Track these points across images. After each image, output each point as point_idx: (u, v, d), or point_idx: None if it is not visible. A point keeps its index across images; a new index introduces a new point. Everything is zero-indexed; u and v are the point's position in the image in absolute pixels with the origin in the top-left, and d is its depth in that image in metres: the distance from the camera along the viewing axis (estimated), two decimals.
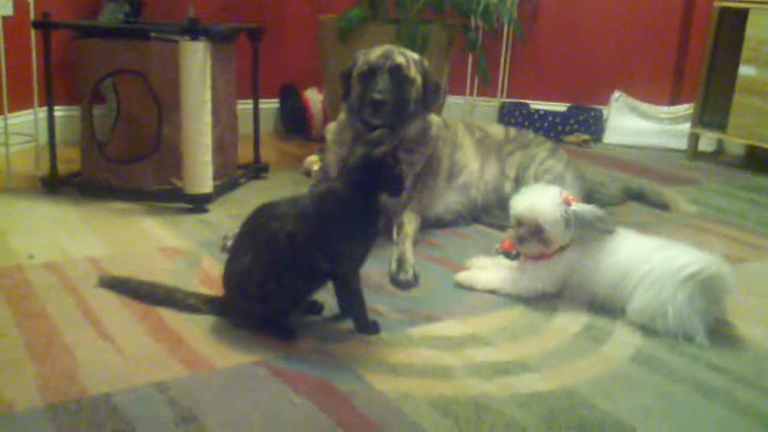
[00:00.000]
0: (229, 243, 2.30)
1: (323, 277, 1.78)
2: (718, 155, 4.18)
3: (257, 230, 1.74)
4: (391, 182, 1.73)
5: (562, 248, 2.01)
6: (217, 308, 1.84)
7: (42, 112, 3.05)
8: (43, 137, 3.08)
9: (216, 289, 1.95)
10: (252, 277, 1.71)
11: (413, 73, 2.47)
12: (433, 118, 2.63)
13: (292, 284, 1.74)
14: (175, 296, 1.89)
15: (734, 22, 3.77)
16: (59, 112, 3.22)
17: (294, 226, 1.70)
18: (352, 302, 1.81)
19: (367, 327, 1.81)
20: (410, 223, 2.41)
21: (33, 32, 2.95)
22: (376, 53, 2.47)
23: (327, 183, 1.84)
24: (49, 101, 2.84)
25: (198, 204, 2.69)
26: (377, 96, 2.38)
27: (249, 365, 1.63)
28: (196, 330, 1.78)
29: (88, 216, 2.59)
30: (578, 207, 1.98)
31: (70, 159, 3.13)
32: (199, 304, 1.86)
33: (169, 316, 1.85)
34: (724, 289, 1.84)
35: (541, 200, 2.00)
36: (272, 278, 1.71)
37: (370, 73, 2.45)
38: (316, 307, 1.89)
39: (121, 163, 2.81)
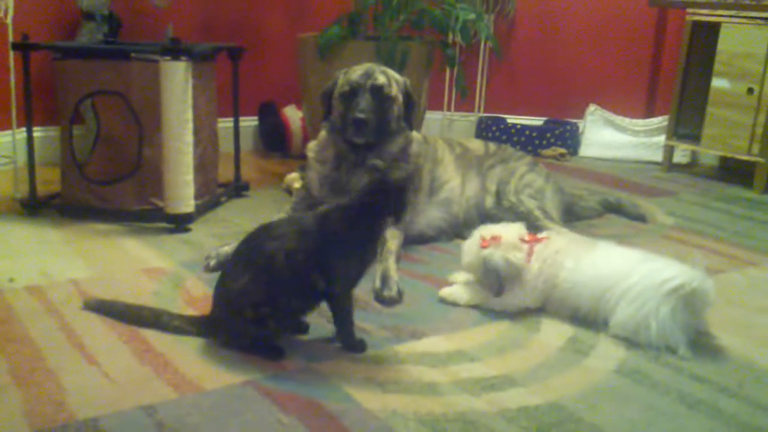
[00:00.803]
0: (212, 263, 2.31)
1: (318, 297, 1.79)
2: (692, 167, 4.25)
3: (255, 251, 1.74)
4: (400, 207, 1.76)
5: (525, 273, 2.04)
6: (204, 329, 1.84)
7: (21, 133, 3.03)
8: (22, 158, 3.05)
9: (201, 310, 1.95)
10: (248, 298, 1.71)
11: (394, 91, 2.50)
12: (414, 135, 2.65)
13: (288, 305, 1.74)
14: (161, 318, 1.88)
15: (706, 35, 3.85)
16: (38, 132, 3.19)
17: (295, 244, 1.72)
18: (341, 321, 1.82)
19: (354, 345, 1.82)
20: (393, 239, 2.42)
21: (12, 53, 2.93)
22: (357, 72, 2.48)
23: (333, 203, 1.84)
24: (28, 122, 2.82)
25: (179, 224, 2.69)
26: (360, 115, 2.40)
27: (237, 386, 1.63)
28: (182, 351, 1.78)
29: (69, 238, 2.58)
30: (488, 252, 2.01)
31: (49, 180, 3.11)
32: (185, 326, 1.86)
33: (155, 338, 1.84)
34: (706, 302, 1.87)
35: (467, 252, 2.08)
36: (269, 300, 1.71)
37: (352, 92, 2.47)
38: (303, 326, 1.89)
39: (101, 184, 2.80)
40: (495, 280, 2.02)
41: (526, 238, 2.08)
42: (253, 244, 1.77)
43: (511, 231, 2.07)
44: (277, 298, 1.72)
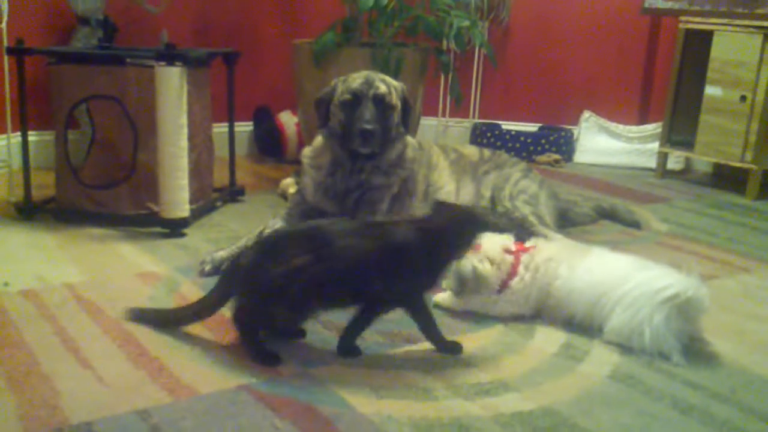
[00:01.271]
0: (207, 268, 2.31)
1: (360, 299, 1.80)
2: (686, 173, 4.27)
3: (323, 239, 1.74)
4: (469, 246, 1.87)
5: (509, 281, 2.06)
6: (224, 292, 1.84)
7: (15, 137, 3.03)
8: (17, 162, 3.05)
9: None
10: (300, 277, 1.70)
11: (394, 99, 2.50)
12: (409, 140, 2.66)
13: (334, 295, 1.76)
14: (196, 311, 1.89)
15: (699, 43, 3.87)
16: (33, 137, 3.19)
17: (371, 245, 1.75)
18: (357, 326, 1.83)
19: (349, 350, 1.82)
20: None
21: (6, 58, 2.93)
22: (357, 81, 2.47)
23: (432, 222, 1.85)
24: (23, 126, 2.82)
25: (174, 228, 2.69)
26: (368, 126, 2.40)
27: (231, 390, 1.64)
28: (177, 355, 1.78)
29: (64, 242, 2.57)
30: (462, 261, 2.02)
31: (44, 184, 3.11)
32: (215, 303, 1.85)
33: (150, 342, 1.84)
34: (700, 310, 1.88)
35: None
36: (320, 283, 1.72)
37: (355, 101, 2.45)
38: (300, 331, 1.90)
39: (96, 188, 2.80)
40: (459, 284, 2.05)
41: (512, 248, 2.08)
42: (319, 233, 1.76)
43: (495, 241, 2.08)
44: (329, 284, 1.73)
